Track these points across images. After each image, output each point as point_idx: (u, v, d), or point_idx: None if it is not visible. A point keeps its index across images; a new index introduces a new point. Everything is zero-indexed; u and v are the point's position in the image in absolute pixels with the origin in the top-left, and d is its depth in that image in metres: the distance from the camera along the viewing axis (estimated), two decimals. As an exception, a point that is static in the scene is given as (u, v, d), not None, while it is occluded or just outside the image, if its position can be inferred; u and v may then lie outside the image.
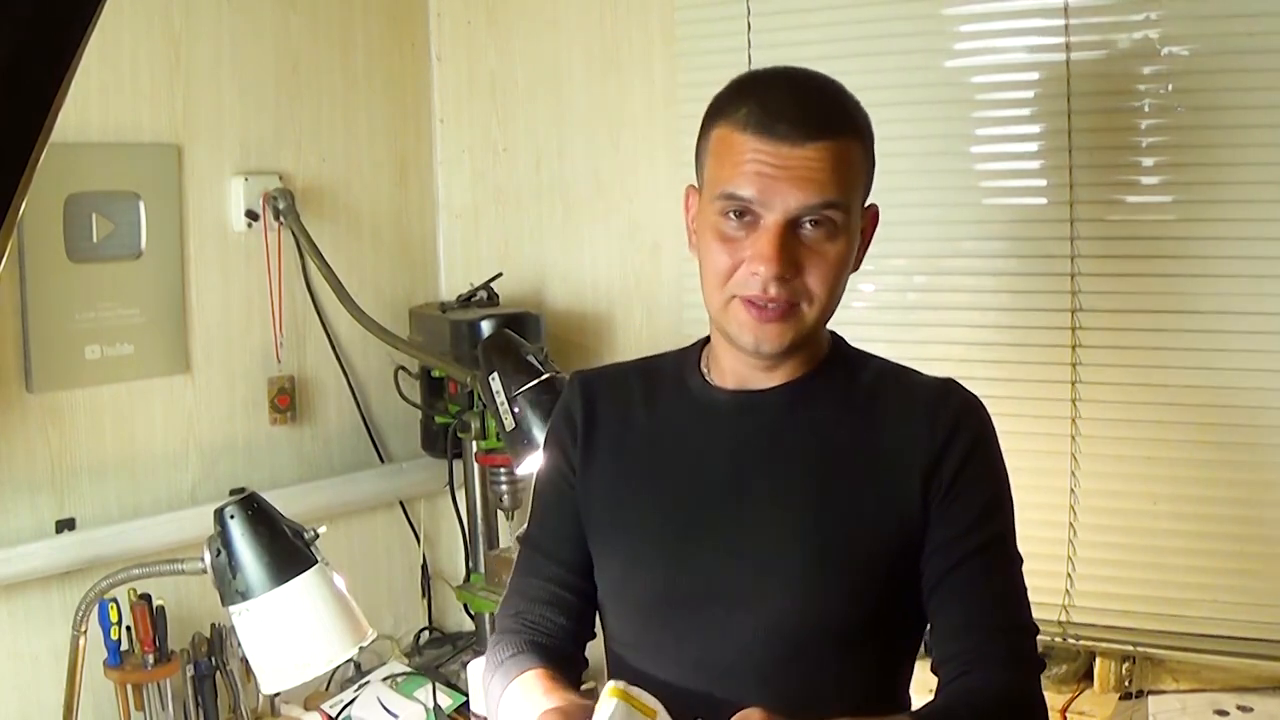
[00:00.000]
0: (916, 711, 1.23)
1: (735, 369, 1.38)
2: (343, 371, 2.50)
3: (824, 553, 1.30)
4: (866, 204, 1.35)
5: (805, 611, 1.30)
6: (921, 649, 1.40)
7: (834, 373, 1.39)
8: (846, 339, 1.44)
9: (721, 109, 1.31)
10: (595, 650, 1.48)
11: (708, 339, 1.44)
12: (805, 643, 1.30)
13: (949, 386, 1.37)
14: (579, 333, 2.55)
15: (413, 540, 2.60)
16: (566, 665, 1.41)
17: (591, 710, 1.14)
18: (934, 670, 1.33)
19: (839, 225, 1.27)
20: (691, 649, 1.33)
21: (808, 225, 1.27)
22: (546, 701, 1.28)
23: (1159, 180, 1.98)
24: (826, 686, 1.31)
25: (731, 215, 1.28)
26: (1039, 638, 1.34)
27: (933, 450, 1.31)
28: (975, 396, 1.37)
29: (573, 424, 1.46)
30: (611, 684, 1.13)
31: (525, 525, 1.53)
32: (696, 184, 1.37)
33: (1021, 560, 1.35)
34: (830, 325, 1.41)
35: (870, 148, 1.33)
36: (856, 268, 1.35)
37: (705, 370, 1.42)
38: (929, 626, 1.34)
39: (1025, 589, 1.34)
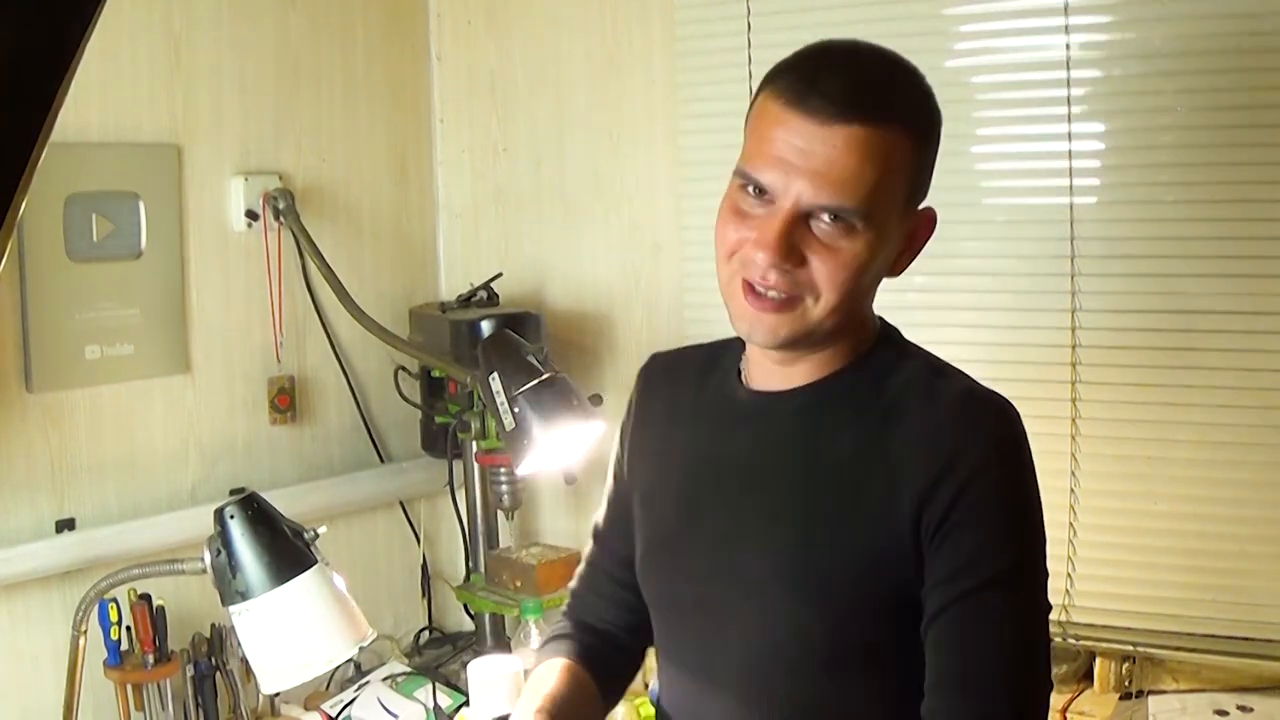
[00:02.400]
0: None
1: (758, 364, 1.30)
2: (343, 371, 2.49)
3: (801, 577, 1.22)
4: (921, 206, 1.25)
5: (784, 635, 1.23)
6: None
7: (861, 377, 1.26)
8: (900, 331, 1.33)
9: (773, 75, 1.23)
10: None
11: None
12: (791, 666, 1.24)
13: (965, 402, 1.22)
14: (579, 333, 2.55)
15: (413, 540, 2.60)
16: (613, 651, 1.44)
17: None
18: None
19: (858, 228, 1.17)
20: (695, 654, 1.32)
21: (825, 219, 1.17)
22: (535, 700, 1.32)
23: (1159, 180, 1.98)
24: (825, 712, 1.24)
25: (750, 190, 1.20)
26: None
27: (929, 478, 1.16)
28: (996, 410, 1.21)
29: (629, 416, 1.45)
30: None
31: None
32: None
33: (1041, 608, 1.20)
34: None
35: (924, 145, 1.22)
36: (896, 273, 1.25)
37: (744, 365, 1.33)
38: None
39: (1033, 641, 1.18)
